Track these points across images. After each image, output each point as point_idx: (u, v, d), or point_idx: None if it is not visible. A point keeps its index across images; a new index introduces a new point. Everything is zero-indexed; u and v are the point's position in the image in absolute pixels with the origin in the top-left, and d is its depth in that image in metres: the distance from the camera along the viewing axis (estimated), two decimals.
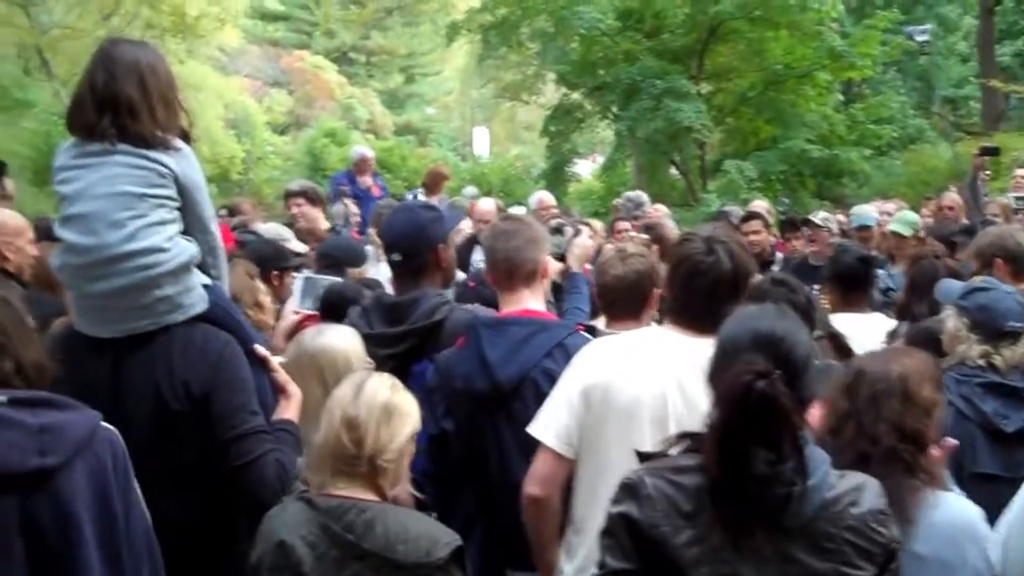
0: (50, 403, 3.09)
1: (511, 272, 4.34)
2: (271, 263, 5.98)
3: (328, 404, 3.43)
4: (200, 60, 37.55)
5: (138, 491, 3.24)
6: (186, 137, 3.73)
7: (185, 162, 3.61)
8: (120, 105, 3.54)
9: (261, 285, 4.62)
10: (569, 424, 3.73)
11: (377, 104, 47.07)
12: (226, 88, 39.26)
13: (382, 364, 4.14)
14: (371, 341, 4.31)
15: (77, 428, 3.08)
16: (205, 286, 3.65)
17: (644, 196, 11.88)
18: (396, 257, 4.73)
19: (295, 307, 5.62)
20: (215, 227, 3.76)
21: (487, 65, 31.50)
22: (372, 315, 4.67)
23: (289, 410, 3.76)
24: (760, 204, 12.19)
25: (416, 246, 4.71)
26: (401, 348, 4.49)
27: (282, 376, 3.79)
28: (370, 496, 3.28)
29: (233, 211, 9.31)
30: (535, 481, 3.77)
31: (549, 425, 3.77)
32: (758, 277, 4.38)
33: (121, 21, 30.07)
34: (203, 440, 3.51)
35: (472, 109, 46.51)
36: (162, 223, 3.53)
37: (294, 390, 3.80)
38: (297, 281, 5.77)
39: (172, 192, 3.56)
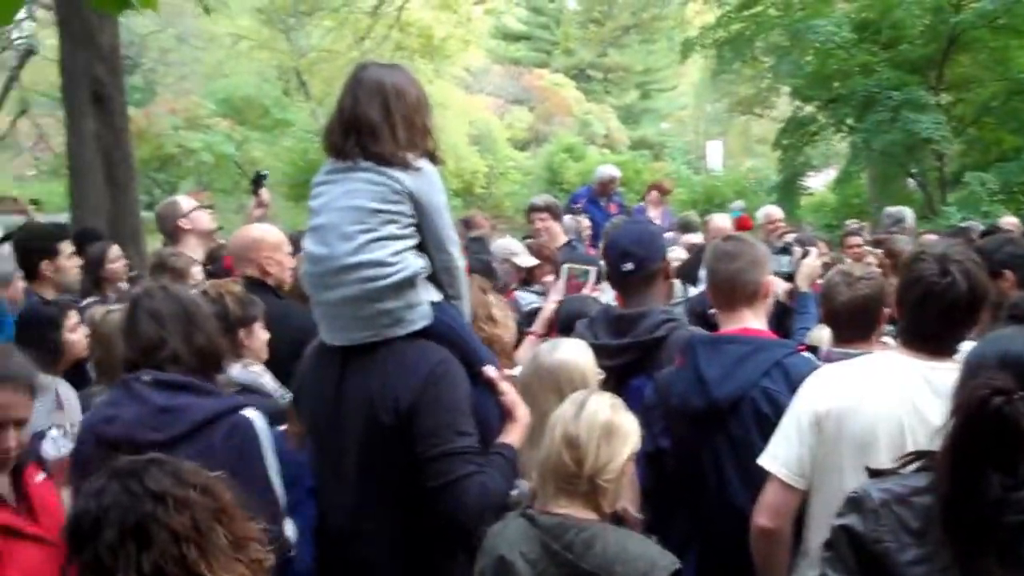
0: (188, 387, 3.65)
1: (732, 292, 4.24)
2: None
3: (550, 421, 3.41)
4: (447, 80, 38.34)
5: (267, 474, 3.66)
6: (433, 158, 3.72)
7: (423, 181, 3.60)
8: (362, 127, 3.60)
9: (494, 299, 4.62)
10: (801, 454, 3.59)
11: (613, 119, 47.05)
12: (470, 106, 39.94)
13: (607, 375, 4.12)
14: (593, 352, 4.27)
15: (196, 412, 3.59)
16: (434, 303, 3.62)
17: (906, 211, 11.11)
18: (628, 266, 4.69)
19: (556, 296, 5.73)
20: (453, 248, 3.71)
21: (721, 80, 31.09)
22: (598, 326, 4.66)
23: (513, 434, 3.64)
24: (1010, 220, 11.38)
25: (649, 255, 4.70)
26: (621, 360, 4.46)
27: (510, 399, 3.67)
28: (590, 515, 3.24)
29: (469, 224, 9.42)
30: (765, 512, 3.64)
31: (779, 455, 3.64)
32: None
33: (373, 44, 30.92)
34: (410, 457, 3.46)
35: (706, 123, 46.04)
36: (390, 238, 3.53)
37: (521, 414, 3.67)
38: (564, 270, 5.92)
39: (406, 209, 3.56)
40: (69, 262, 6.36)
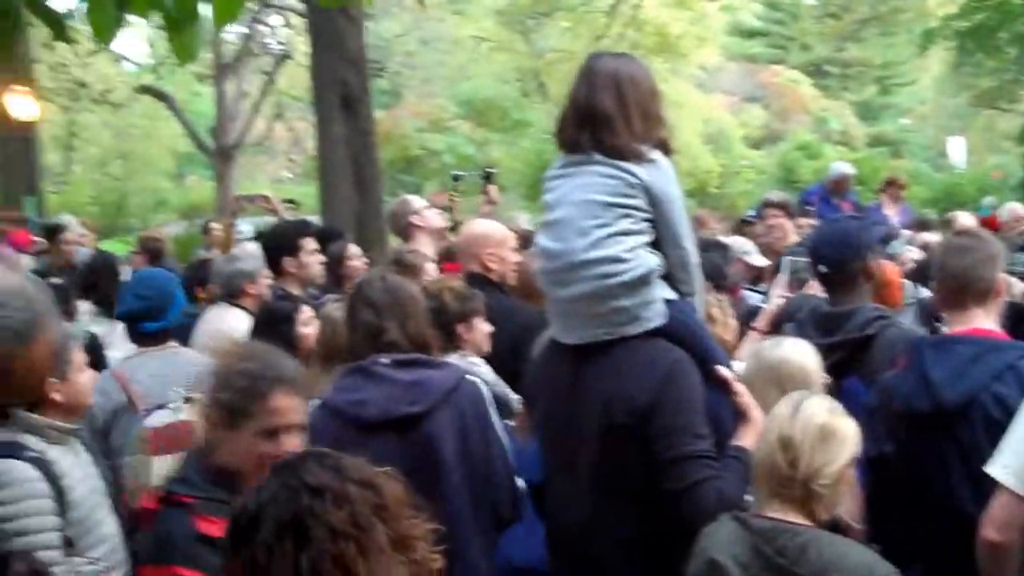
0: (423, 363, 3.93)
1: (962, 290, 3.95)
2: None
3: (766, 421, 3.31)
4: (681, 78, 38.01)
5: (499, 432, 3.92)
6: (666, 149, 3.62)
7: (658, 174, 3.50)
8: (596, 119, 3.52)
9: (714, 299, 4.53)
10: None
11: (850, 116, 45.75)
12: (705, 105, 39.50)
13: None
14: None
15: (441, 383, 3.87)
16: (668, 301, 3.50)
17: None
18: (823, 268, 4.55)
19: (780, 290, 5.63)
20: (688, 243, 3.59)
21: (962, 72, 29.85)
22: (807, 325, 4.51)
23: (747, 436, 3.48)
24: None
25: (842, 256, 4.52)
26: (830, 360, 4.23)
27: (744, 400, 3.53)
28: (803, 520, 3.12)
29: (696, 223, 9.30)
30: (994, 525, 3.36)
31: (1009, 465, 3.36)
32: None
33: (609, 43, 30.89)
34: (645, 457, 3.36)
35: (946, 118, 44.19)
36: (625, 233, 3.43)
37: (756, 415, 3.52)
38: (784, 263, 5.80)
39: (641, 203, 3.46)
40: (311, 258, 6.54)
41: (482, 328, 4.87)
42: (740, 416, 3.53)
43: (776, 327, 5.26)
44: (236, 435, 3.13)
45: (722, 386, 3.52)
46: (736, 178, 38.47)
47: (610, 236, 3.42)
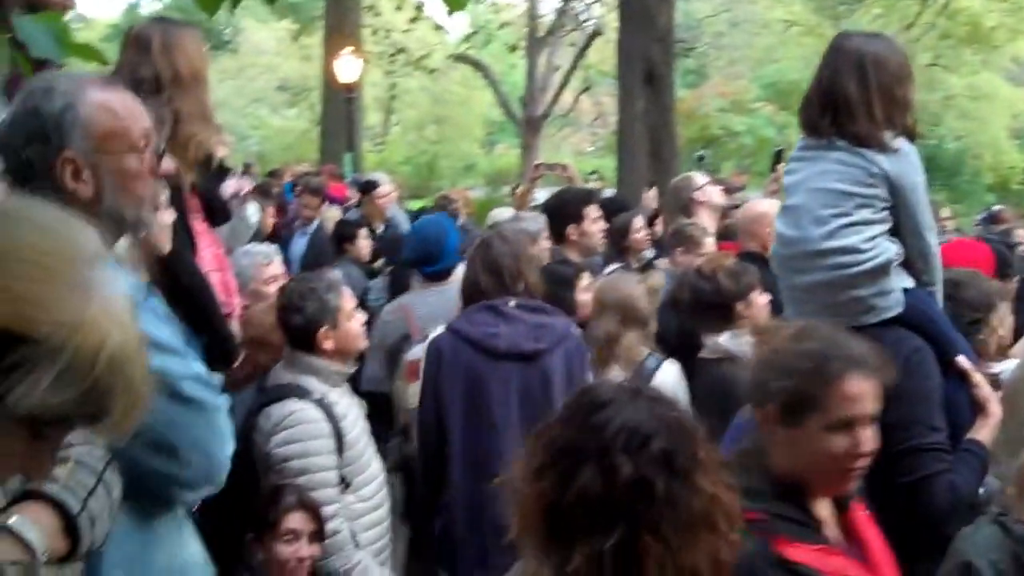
0: (542, 309, 4.52)
1: None
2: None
3: None
4: (993, 70, 35.99)
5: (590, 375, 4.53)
6: (911, 135, 3.44)
7: (901, 163, 3.34)
8: (838, 103, 3.39)
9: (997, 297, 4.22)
10: None
11: None
12: (1015, 98, 37.23)
13: None
14: None
15: (559, 327, 4.47)
16: (907, 290, 3.36)
17: None
18: None
19: None
20: (929, 234, 3.42)
21: None
22: None
23: (984, 431, 3.30)
24: None
25: None
26: None
27: (983, 393, 3.32)
28: None
29: (994, 218, 8.81)
30: None
31: None
32: None
33: (919, 31, 29.59)
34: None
35: None
36: (865, 223, 3.32)
37: (995, 409, 3.31)
38: None
39: (881, 192, 3.32)
40: (594, 227, 6.51)
41: (760, 301, 4.73)
42: (979, 409, 3.33)
43: None
44: (798, 433, 2.57)
45: (961, 377, 3.34)
46: None
47: (849, 226, 3.32)
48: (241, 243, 4.78)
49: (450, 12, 3.36)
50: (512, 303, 4.45)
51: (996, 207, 11.57)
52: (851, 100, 3.36)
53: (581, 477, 1.92)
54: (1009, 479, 3.02)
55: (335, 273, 4.64)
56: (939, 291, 3.53)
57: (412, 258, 5.84)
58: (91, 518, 1.98)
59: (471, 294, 4.59)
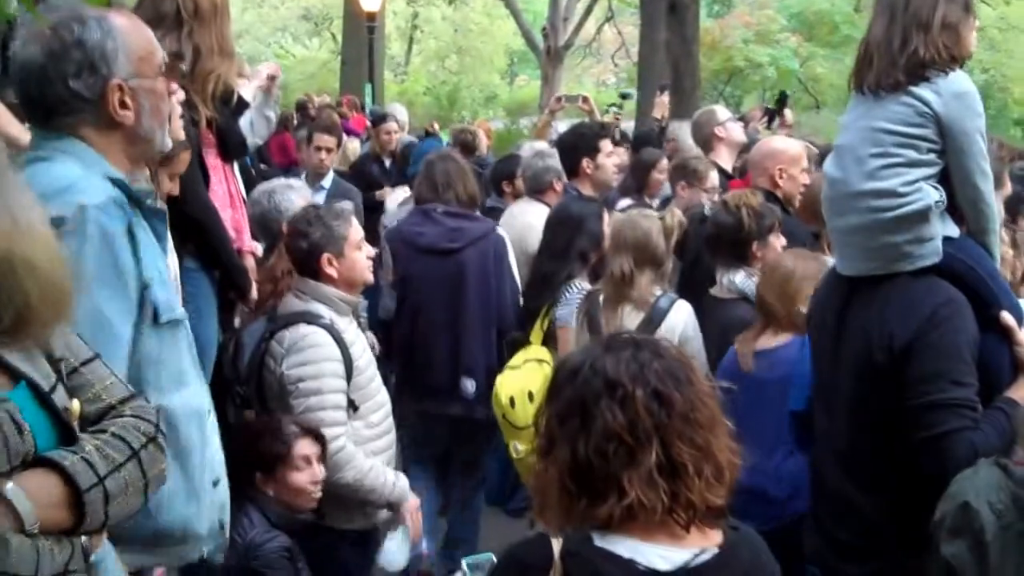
0: (465, 216, 5.70)
1: None
2: None
3: None
4: None
5: (513, 274, 5.72)
6: (960, 60, 3.21)
7: (955, 103, 3.13)
8: (872, 52, 3.22)
9: (1004, 235, 4.18)
10: None
11: None
12: None
13: None
14: None
15: (475, 229, 5.64)
16: (951, 239, 3.19)
17: None
18: None
19: None
20: (982, 181, 3.19)
21: None
22: None
23: (1021, 390, 3.13)
24: None
25: None
26: None
27: None
28: None
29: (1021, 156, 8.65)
30: None
31: None
32: None
33: None
34: (900, 400, 3.09)
35: None
36: (908, 164, 3.13)
37: None
38: None
39: (930, 133, 3.13)
40: (608, 160, 6.50)
41: (776, 245, 4.73)
42: (1020, 367, 3.17)
43: None
44: None
45: (1004, 333, 3.17)
46: None
47: (888, 167, 3.15)
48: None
49: None
50: (440, 209, 5.66)
51: None
52: (881, 40, 3.22)
53: (599, 419, 2.04)
54: None
55: (347, 204, 4.68)
56: (994, 240, 3.33)
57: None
58: (106, 494, 1.97)
59: (416, 200, 6.00)
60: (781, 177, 5.53)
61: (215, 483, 2.73)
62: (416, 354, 5.68)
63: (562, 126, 9.38)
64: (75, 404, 2.04)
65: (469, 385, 5.55)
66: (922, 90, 3.13)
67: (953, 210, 3.23)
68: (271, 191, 5.23)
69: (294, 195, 5.22)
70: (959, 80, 3.16)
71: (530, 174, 6.61)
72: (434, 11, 34.45)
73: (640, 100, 14.42)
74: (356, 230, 4.33)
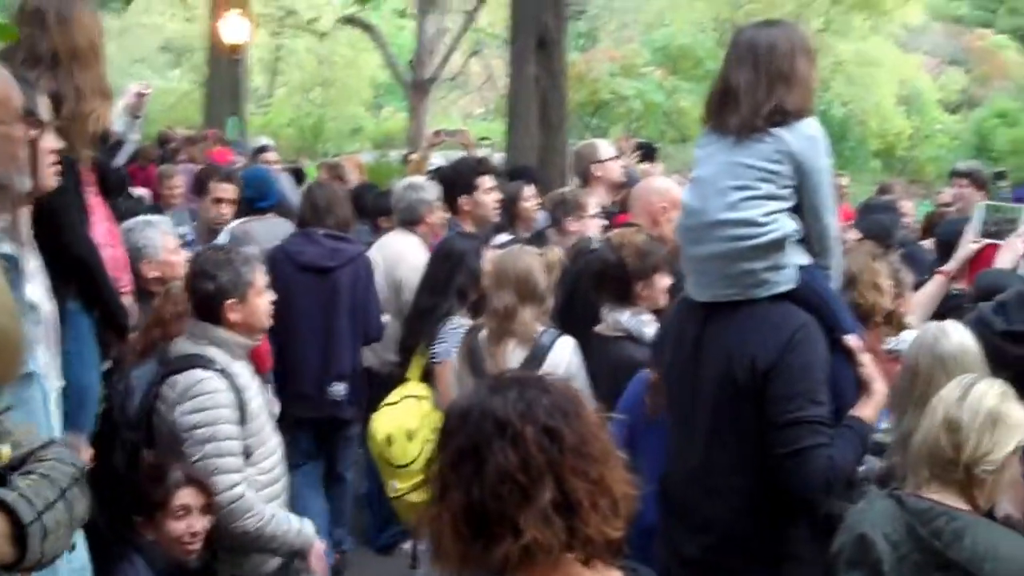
0: (341, 238, 6.37)
1: None
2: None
3: (932, 402, 3.16)
4: (882, 36, 36.77)
5: (377, 295, 6.37)
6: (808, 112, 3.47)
7: (809, 145, 3.39)
8: (736, 93, 3.43)
9: (882, 267, 4.37)
10: None
11: None
12: (903, 65, 38.08)
13: (1014, 365, 3.69)
14: (1009, 339, 3.92)
15: (350, 251, 6.32)
16: (802, 267, 3.42)
17: None
18: None
19: (973, 237, 5.40)
20: (829, 216, 3.48)
21: None
22: (1012, 311, 4.11)
23: (867, 408, 3.38)
24: None
25: None
26: None
27: (868, 371, 3.41)
28: (963, 505, 3.00)
29: (884, 190, 9.02)
30: None
31: None
32: None
33: None
34: (760, 419, 3.30)
35: None
36: (766, 197, 3.36)
37: (879, 388, 3.41)
38: (978, 209, 5.55)
39: (787, 170, 3.36)
40: (487, 197, 6.56)
41: (661, 284, 4.82)
42: (863, 387, 3.42)
43: (965, 274, 5.24)
44: None
45: (848, 355, 3.43)
46: (927, 142, 37.12)
47: (749, 199, 3.36)
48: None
49: None
50: (321, 232, 6.32)
51: (887, 181, 11.81)
52: (745, 88, 3.41)
53: (492, 461, 2.02)
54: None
55: (254, 248, 4.66)
56: (836, 272, 3.61)
57: (248, 196, 7.48)
58: (44, 530, 1.99)
59: (299, 222, 6.67)
60: (662, 215, 5.62)
61: (72, 547, 2.65)
62: (288, 362, 5.91)
63: (437, 159, 9.45)
64: (5, 449, 2.07)
65: (340, 388, 6.21)
66: (780, 131, 3.37)
67: (802, 240, 3.46)
68: (129, 228, 5.13)
69: (152, 232, 5.16)
70: (812, 124, 3.43)
71: (403, 206, 6.78)
72: (298, 43, 34.21)
73: (511, 134, 14.52)
74: (262, 276, 4.30)
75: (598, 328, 4.87)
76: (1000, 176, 10.98)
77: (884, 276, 4.28)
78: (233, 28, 19.63)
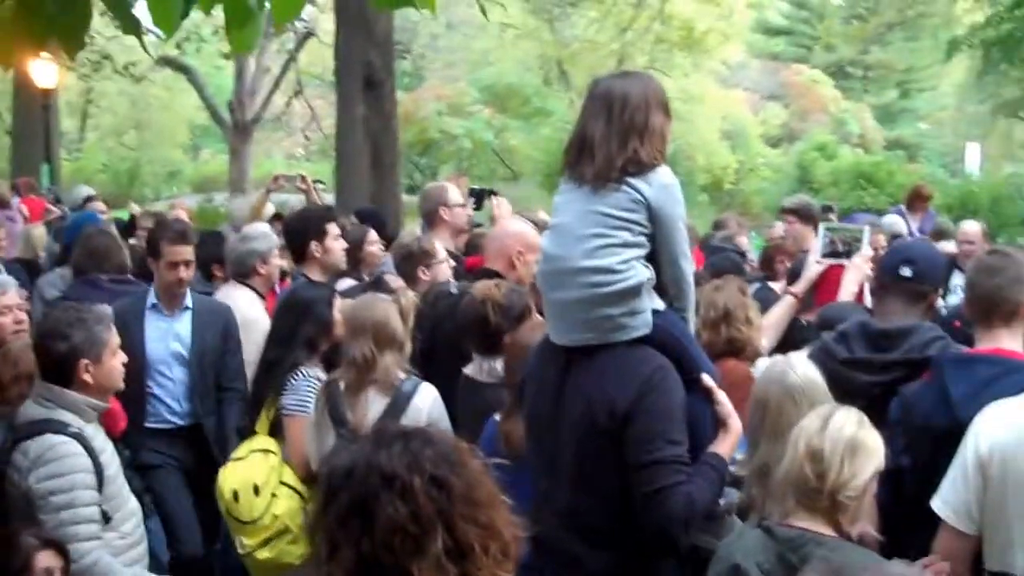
0: (127, 282, 6.73)
1: (989, 310, 3.96)
2: None
3: (793, 434, 3.34)
4: (704, 73, 37.98)
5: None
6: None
7: (663, 193, 3.53)
8: (591, 143, 3.56)
9: (752, 302, 4.57)
10: (968, 499, 3.48)
11: (869, 118, 45.49)
12: (725, 101, 39.49)
13: (859, 392, 3.98)
14: (852, 366, 4.18)
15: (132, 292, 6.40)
16: (657, 311, 3.55)
17: None
18: (906, 272, 4.47)
19: (817, 258, 5.70)
20: (684, 262, 3.63)
21: (986, 81, 29.73)
22: (853, 340, 4.39)
23: (724, 444, 3.54)
24: None
25: (931, 272, 4.55)
26: (886, 377, 4.21)
27: (725, 409, 3.56)
28: (829, 531, 3.18)
29: (719, 225, 9.35)
30: (941, 559, 3.51)
31: (948, 500, 3.53)
32: None
33: (635, 35, 30.87)
34: (621, 460, 3.42)
35: (966, 125, 43.86)
36: (622, 245, 3.48)
37: (735, 424, 3.57)
38: (821, 231, 5.89)
39: (641, 218, 3.49)
40: (336, 243, 6.57)
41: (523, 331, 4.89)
42: (720, 424, 3.58)
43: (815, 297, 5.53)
44: None
45: (705, 394, 3.58)
46: (752, 175, 38.50)
47: (606, 247, 3.48)
48: None
49: (278, 21, 3.40)
50: (104, 277, 6.66)
51: (724, 215, 12.22)
52: (600, 140, 3.54)
53: (381, 515, 2.08)
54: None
55: (106, 307, 4.52)
56: (691, 315, 3.78)
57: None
58: None
59: (74, 271, 7.09)
60: (518, 259, 5.73)
61: None
62: None
63: (269, 206, 9.39)
64: None
65: None
66: (636, 180, 3.50)
67: (657, 286, 3.60)
68: None
69: None
70: (666, 173, 3.57)
71: (233, 258, 6.64)
72: (109, 85, 33.45)
73: (339, 176, 14.52)
74: (115, 335, 4.23)
75: (468, 371, 4.95)
76: (827, 209, 11.53)
77: (753, 309, 4.49)
78: (41, 72, 19.08)
